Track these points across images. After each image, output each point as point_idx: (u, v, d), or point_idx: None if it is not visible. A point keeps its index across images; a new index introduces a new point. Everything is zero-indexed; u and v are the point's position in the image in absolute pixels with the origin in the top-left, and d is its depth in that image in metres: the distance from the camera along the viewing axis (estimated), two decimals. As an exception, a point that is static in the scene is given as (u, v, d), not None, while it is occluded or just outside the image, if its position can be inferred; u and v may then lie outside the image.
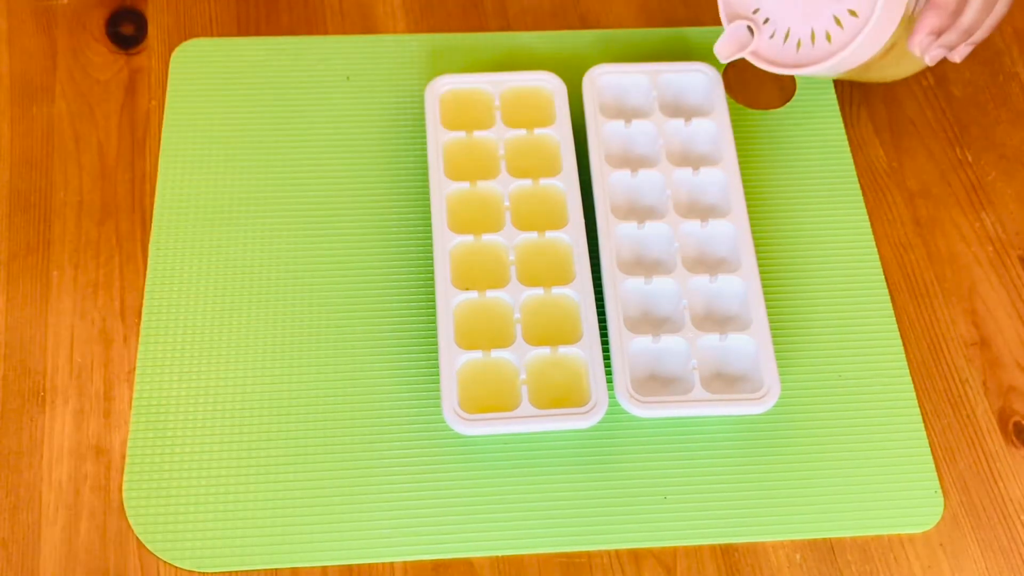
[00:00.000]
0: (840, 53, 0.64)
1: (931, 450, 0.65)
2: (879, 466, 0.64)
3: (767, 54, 0.68)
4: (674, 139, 0.72)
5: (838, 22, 0.64)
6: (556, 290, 0.66)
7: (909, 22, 0.65)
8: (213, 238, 0.70)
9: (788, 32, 0.67)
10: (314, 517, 0.62)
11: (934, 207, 0.73)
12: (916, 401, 0.66)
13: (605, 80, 0.74)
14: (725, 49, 0.69)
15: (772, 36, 0.68)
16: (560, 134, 0.71)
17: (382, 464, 0.63)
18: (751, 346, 0.64)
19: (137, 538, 0.61)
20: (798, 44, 0.66)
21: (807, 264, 0.70)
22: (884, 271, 0.71)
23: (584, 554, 0.61)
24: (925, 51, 0.63)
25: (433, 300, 0.66)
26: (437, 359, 0.65)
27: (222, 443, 0.63)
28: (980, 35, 0.64)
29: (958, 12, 0.62)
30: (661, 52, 0.78)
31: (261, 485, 0.62)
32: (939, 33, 0.62)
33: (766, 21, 0.68)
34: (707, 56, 0.73)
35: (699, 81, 0.74)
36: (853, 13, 0.63)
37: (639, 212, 0.70)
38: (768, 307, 0.66)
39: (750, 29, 0.68)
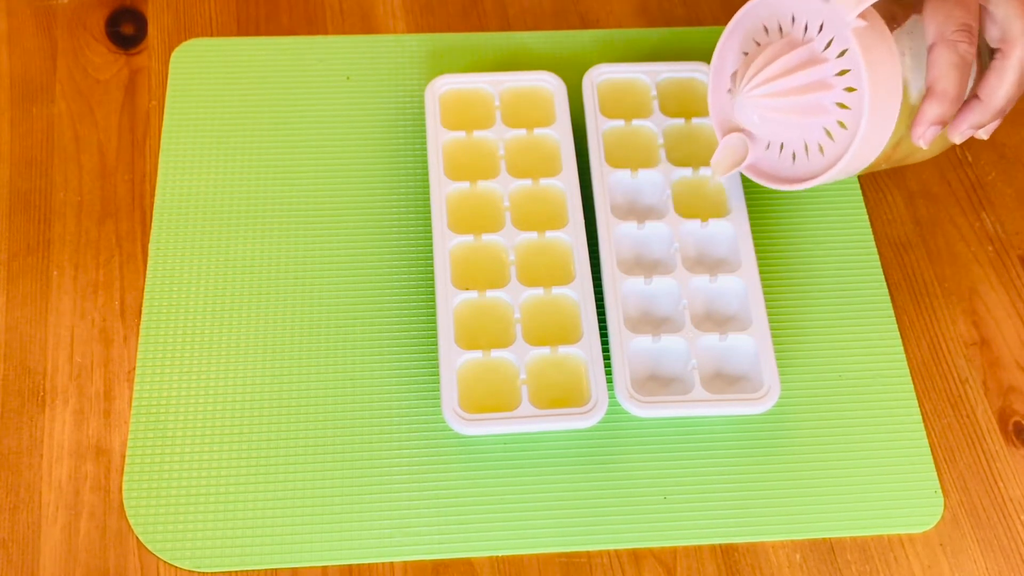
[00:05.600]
0: (836, 166, 0.60)
1: (931, 450, 0.65)
2: (879, 466, 0.64)
3: (764, 167, 0.65)
4: (674, 138, 0.72)
5: (829, 134, 0.61)
6: (556, 290, 0.66)
7: (913, 111, 0.62)
8: (213, 238, 0.70)
9: (782, 145, 0.64)
10: (314, 517, 0.62)
11: (934, 207, 0.73)
12: (916, 401, 0.66)
13: (605, 80, 0.74)
14: (723, 163, 0.65)
15: (768, 148, 0.64)
16: (560, 134, 0.71)
17: (382, 464, 0.63)
18: (751, 346, 0.64)
19: (137, 538, 0.61)
20: (793, 156, 0.63)
21: (807, 264, 0.70)
22: (884, 271, 0.71)
23: (584, 554, 0.61)
24: (928, 142, 0.59)
25: (433, 300, 0.66)
26: (437, 359, 0.65)
27: (222, 443, 0.63)
28: (1009, 107, 0.62)
29: (960, 98, 0.58)
30: (661, 52, 0.78)
31: (261, 485, 0.62)
32: (943, 122, 0.59)
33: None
34: (706, 56, 0.73)
35: (699, 81, 0.74)
36: (842, 125, 0.60)
37: (639, 212, 0.70)
38: (768, 307, 0.67)
39: (746, 141, 0.65)
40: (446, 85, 0.73)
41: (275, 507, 0.62)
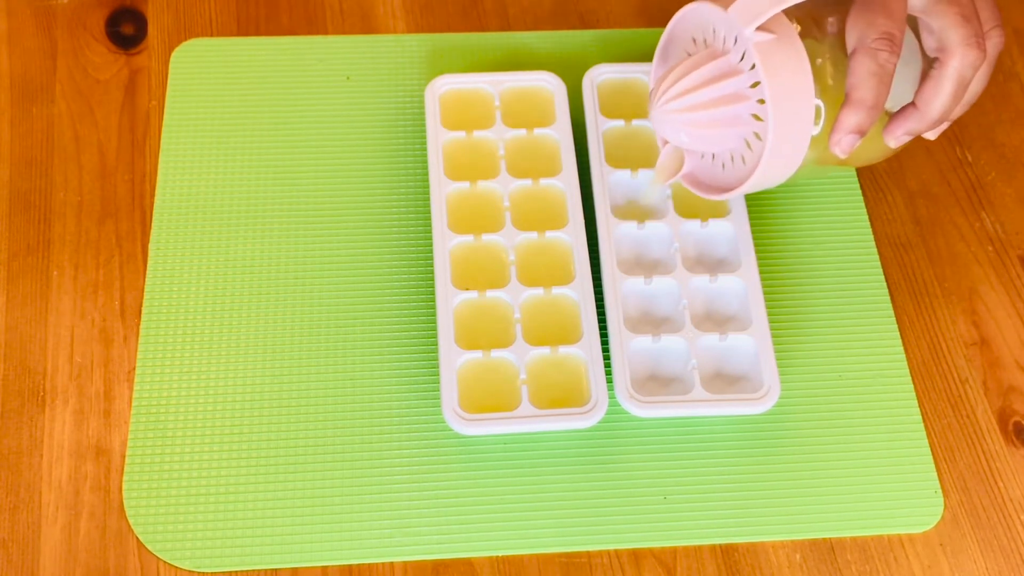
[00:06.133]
0: (752, 177, 0.60)
1: (931, 450, 0.65)
2: (879, 466, 0.64)
3: (702, 175, 0.65)
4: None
5: (748, 145, 0.61)
6: (556, 290, 0.66)
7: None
8: (213, 238, 0.70)
9: (714, 155, 0.64)
10: (314, 517, 0.62)
11: (934, 207, 0.73)
12: (916, 401, 0.66)
13: (605, 80, 0.74)
14: (664, 172, 0.65)
15: (703, 156, 0.65)
16: (560, 134, 0.71)
17: (382, 464, 0.63)
18: (751, 346, 0.64)
19: (137, 538, 0.61)
20: (723, 165, 0.63)
21: (807, 264, 0.70)
22: (884, 271, 0.71)
23: (584, 554, 0.61)
24: (846, 150, 0.59)
25: (433, 300, 0.66)
26: (437, 359, 0.65)
27: (222, 443, 0.63)
28: (958, 112, 0.61)
29: (878, 107, 0.58)
30: (661, 52, 0.78)
31: (261, 485, 0.62)
32: (860, 131, 0.58)
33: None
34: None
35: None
36: (758, 136, 0.60)
37: (639, 212, 0.70)
38: (768, 307, 0.67)
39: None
40: (446, 85, 0.73)
41: (275, 507, 0.62)
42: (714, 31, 0.61)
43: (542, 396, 0.63)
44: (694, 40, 0.63)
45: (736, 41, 0.59)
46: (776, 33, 0.58)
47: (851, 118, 0.58)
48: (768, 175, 0.61)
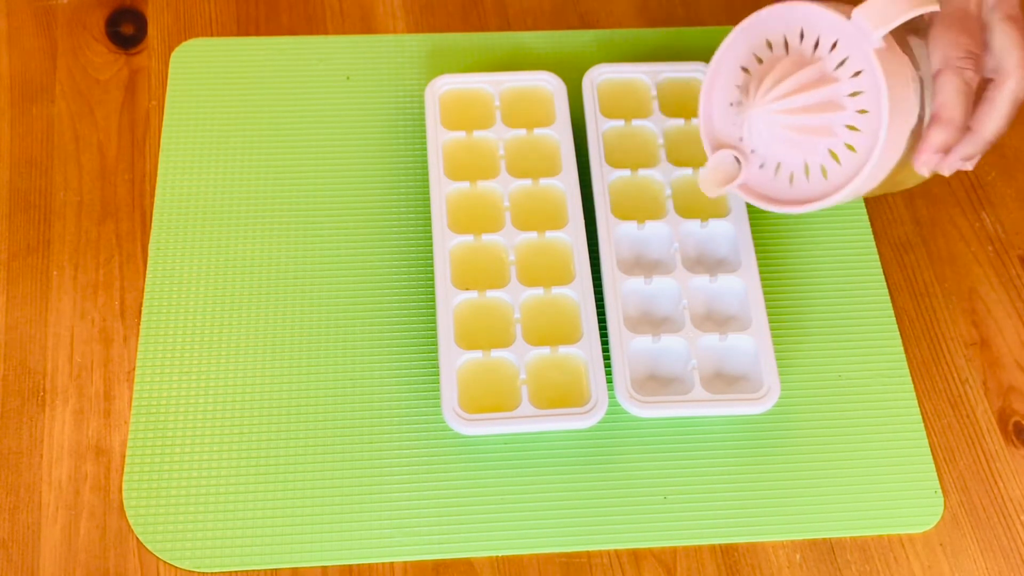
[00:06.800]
0: (843, 190, 0.58)
1: (931, 450, 0.65)
2: (879, 466, 0.64)
3: (757, 187, 0.62)
4: (674, 138, 0.72)
5: (835, 156, 0.58)
6: (556, 290, 0.66)
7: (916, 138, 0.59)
8: (213, 238, 0.70)
9: (778, 165, 0.61)
10: (314, 517, 0.62)
11: (934, 207, 0.73)
12: (916, 401, 0.66)
13: (605, 80, 0.74)
14: (712, 182, 0.62)
15: (762, 167, 0.62)
16: (560, 134, 0.71)
17: (382, 464, 0.63)
18: (751, 346, 0.64)
19: (137, 538, 0.61)
20: (791, 178, 0.60)
21: (807, 264, 0.70)
22: (884, 271, 0.71)
23: (584, 554, 0.62)
24: (933, 169, 0.57)
25: (433, 300, 0.66)
26: (437, 359, 0.65)
27: (222, 443, 0.63)
28: (997, 138, 0.60)
29: (964, 126, 0.56)
30: (661, 52, 0.78)
31: (261, 485, 0.62)
32: (946, 150, 0.57)
33: (753, 151, 0.62)
34: (706, 56, 0.73)
35: (699, 81, 0.74)
36: (851, 148, 0.58)
37: (639, 212, 0.70)
38: (768, 307, 0.67)
39: (737, 159, 0.62)
40: (446, 85, 0.73)
41: (275, 507, 0.62)
42: (802, 35, 0.59)
43: (542, 396, 0.63)
44: (769, 44, 0.60)
45: (834, 47, 0.57)
46: (886, 43, 0.56)
47: (941, 136, 0.56)
48: (863, 186, 0.58)
